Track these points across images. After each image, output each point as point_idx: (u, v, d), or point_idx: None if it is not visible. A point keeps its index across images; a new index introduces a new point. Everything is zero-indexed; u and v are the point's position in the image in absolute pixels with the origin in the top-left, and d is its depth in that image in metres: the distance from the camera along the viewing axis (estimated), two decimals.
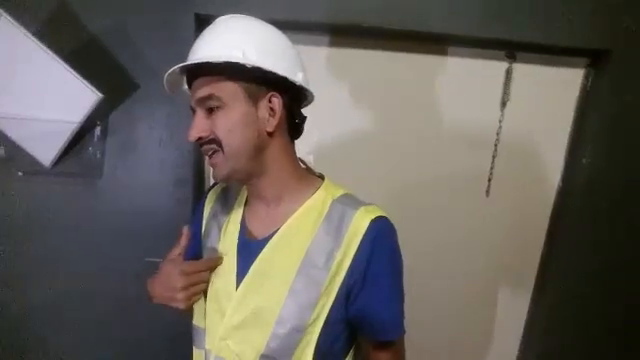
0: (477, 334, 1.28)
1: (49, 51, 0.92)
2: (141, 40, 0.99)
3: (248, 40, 0.61)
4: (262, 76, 0.60)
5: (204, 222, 0.78)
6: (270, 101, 0.63)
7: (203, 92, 0.61)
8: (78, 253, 1.09)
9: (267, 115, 0.63)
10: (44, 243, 1.09)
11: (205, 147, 0.64)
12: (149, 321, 1.05)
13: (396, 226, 0.66)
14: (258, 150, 0.64)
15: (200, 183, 1.15)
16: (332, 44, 1.09)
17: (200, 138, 0.62)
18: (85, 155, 1.05)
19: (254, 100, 0.62)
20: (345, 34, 1.07)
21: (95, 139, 1.04)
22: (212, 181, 1.18)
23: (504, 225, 1.19)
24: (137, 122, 1.04)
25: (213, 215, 0.77)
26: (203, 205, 0.80)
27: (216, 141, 0.62)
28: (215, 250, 0.72)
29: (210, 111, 0.62)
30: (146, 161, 1.06)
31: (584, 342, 1.15)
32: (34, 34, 0.92)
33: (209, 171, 1.18)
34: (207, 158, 0.66)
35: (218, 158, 0.63)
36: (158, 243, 1.07)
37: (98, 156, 1.05)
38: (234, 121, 0.61)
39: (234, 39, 0.61)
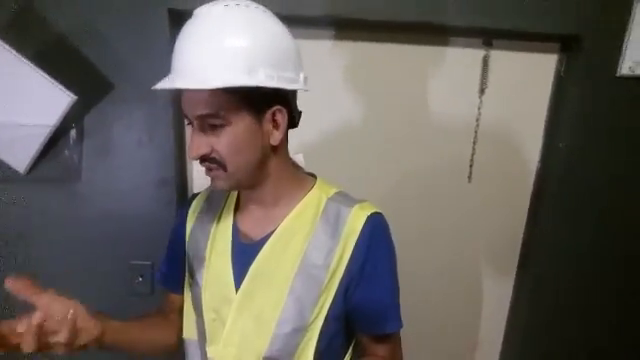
0: (463, 317, 1.31)
1: (17, 53, 0.88)
2: (112, 38, 0.96)
3: (253, 50, 0.55)
4: (268, 91, 0.57)
5: (188, 234, 0.76)
6: (274, 114, 0.60)
7: (204, 109, 0.57)
8: (60, 259, 1.06)
9: (271, 128, 0.61)
10: (23, 251, 1.05)
11: (206, 164, 0.61)
12: None
13: None
14: (262, 163, 0.62)
15: (183, 183, 1.13)
16: (309, 37, 1.08)
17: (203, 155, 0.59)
18: (61, 159, 1.01)
19: (257, 114, 0.59)
20: (320, 27, 1.06)
21: (71, 142, 1.01)
22: (195, 180, 1.17)
23: (487, 209, 1.21)
24: (114, 123, 1.01)
25: (199, 225, 0.74)
26: (185, 218, 0.77)
27: (217, 161, 0.59)
28: (204, 259, 0.70)
29: (211, 127, 0.58)
30: (126, 162, 1.03)
31: (567, 320, 1.19)
32: None
33: (192, 170, 1.16)
34: (199, 165, 0.63)
35: (219, 173, 0.61)
36: (142, 245, 1.07)
37: (75, 160, 1.02)
38: (239, 139, 0.58)
39: (236, 49, 0.54)
